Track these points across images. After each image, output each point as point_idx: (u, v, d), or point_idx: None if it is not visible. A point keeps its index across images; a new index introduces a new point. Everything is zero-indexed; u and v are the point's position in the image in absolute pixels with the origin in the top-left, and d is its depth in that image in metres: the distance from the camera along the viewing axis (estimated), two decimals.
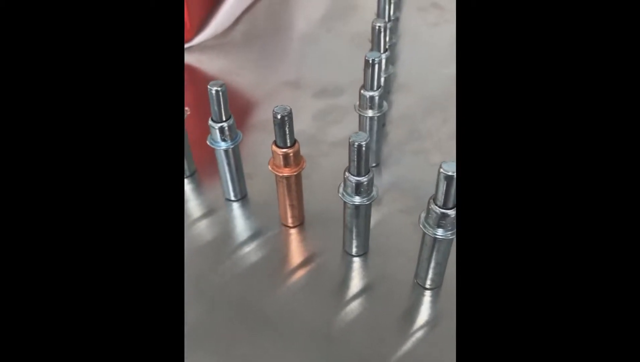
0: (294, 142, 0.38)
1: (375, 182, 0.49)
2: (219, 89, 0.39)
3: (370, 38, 0.49)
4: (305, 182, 0.48)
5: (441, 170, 0.30)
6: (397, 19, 0.68)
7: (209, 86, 0.39)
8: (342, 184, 0.37)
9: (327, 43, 0.73)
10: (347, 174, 0.35)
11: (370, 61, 0.42)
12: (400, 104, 0.59)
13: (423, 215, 0.34)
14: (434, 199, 0.33)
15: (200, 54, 0.70)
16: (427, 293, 0.39)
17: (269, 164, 0.39)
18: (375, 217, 0.45)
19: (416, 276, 0.39)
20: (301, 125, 0.56)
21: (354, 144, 0.33)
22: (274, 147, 0.38)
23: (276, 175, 0.40)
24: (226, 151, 0.42)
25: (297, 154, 0.39)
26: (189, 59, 0.69)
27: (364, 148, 0.33)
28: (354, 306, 0.39)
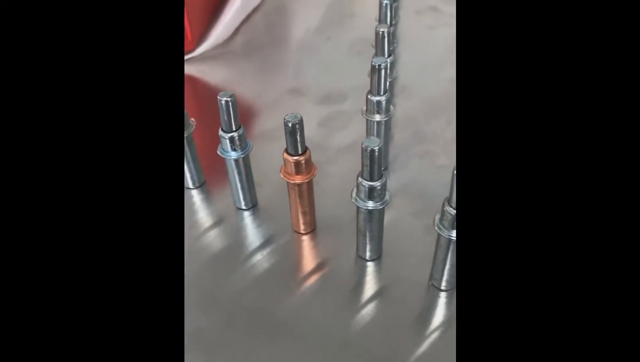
0: (305, 149, 0.38)
1: None
2: (229, 99, 0.39)
3: (373, 43, 0.49)
4: (314, 189, 0.48)
5: (455, 171, 0.31)
6: (396, 23, 0.69)
7: (218, 97, 0.39)
8: (354, 189, 0.37)
9: (328, 50, 0.73)
10: (360, 179, 0.36)
11: (377, 66, 0.42)
12: (403, 107, 0.60)
13: (437, 216, 0.35)
14: (449, 201, 0.33)
15: (202, 64, 0.71)
16: (442, 294, 0.39)
17: (280, 171, 0.40)
18: (386, 220, 0.45)
19: (431, 277, 0.39)
20: (307, 133, 0.56)
21: (367, 149, 0.34)
22: (286, 155, 0.38)
23: (288, 183, 0.40)
24: (237, 161, 0.43)
25: (308, 161, 0.39)
26: (191, 69, 0.69)
27: (376, 153, 0.34)
28: (369, 309, 0.39)
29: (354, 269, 0.42)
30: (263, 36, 0.78)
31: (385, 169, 0.51)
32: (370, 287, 0.40)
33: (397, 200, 0.47)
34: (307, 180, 0.40)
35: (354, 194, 0.37)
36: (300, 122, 0.37)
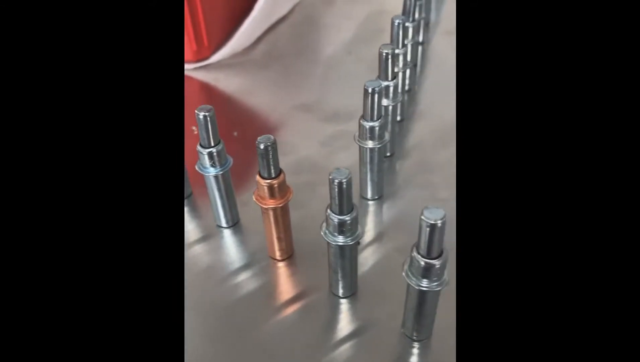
0: (279, 172, 0.36)
1: (375, 217, 0.47)
2: (207, 114, 0.37)
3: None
4: (302, 211, 0.46)
5: (422, 217, 0.28)
6: (416, 43, 0.66)
7: (196, 111, 0.37)
8: (324, 223, 0.34)
9: (347, 65, 0.71)
10: (328, 211, 0.33)
11: (370, 90, 0.39)
12: (415, 133, 0.56)
13: (407, 264, 0.31)
14: (417, 247, 0.30)
15: (218, 72, 0.70)
16: (416, 344, 0.36)
17: (253, 195, 0.38)
18: (368, 254, 0.42)
19: (403, 325, 0.36)
20: (307, 151, 0.54)
21: (333, 181, 0.31)
22: (258, 178, 0.36)
23: (261, 207, 0.38)
24: (216, 177, 0.41)
25: (282, 185, 0.37)
26: (206, 77, 0.69)
27: (344, 186, 0.31)
28: (336, 355, 0.35)
29: (325, 306, 0.39)
30: (285, 47, 0.76)
31: (380, 197, 0.47)
32: (340, 329, 0.37)
33: (386, 233, 0.44)
34: (280, 205, 0.37)
35: (323, 228, 0.34)
36: (273, 144, 0.34)
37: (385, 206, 0.47)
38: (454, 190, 0.48)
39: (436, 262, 0.29)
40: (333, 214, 0.33)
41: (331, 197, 0.32)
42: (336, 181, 0.31)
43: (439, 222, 0.27)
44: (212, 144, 0.39)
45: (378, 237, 0.44)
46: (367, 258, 0.42)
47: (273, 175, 0.36)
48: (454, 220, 0.44)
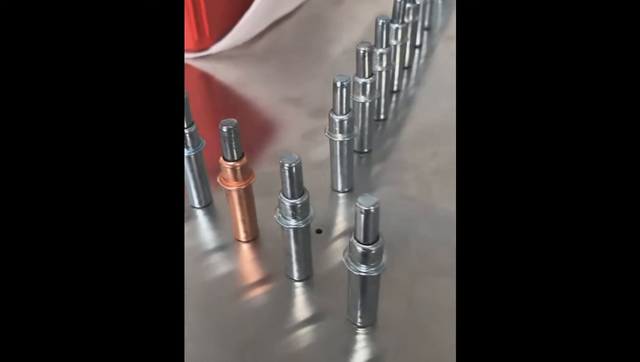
0: (241, 155, 0.38)
1: (345, 209, 0.48)
2: None
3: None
4: (272, 198, 0.47)
5: (357, 204, 0.29)
6: (411, 46, 0.67)
7: None
8: (277, 208, 0.36)
9: (345, 66, 0.72)
10: (280, 195, 0.35)
11: (338, 85, 0.41)
12: (398, 132, 0.58)
13: (347, 252, 0.33)
14: (354, 233, 0.31)
15: (217, 62, 0.72)
16: (361, 331, 0.37)
17: (218, 177, 0.39)
18: (327, 243, 0.43)
19: (347, 311, 0.37)
20: (288, 143, 0.56)
21: (283, 166, 0.33)
22: (222, 160, 0.38)
23: (225, 189, 0.40)
24: (188, 158, 0.43)
25: (244, 168, 0.38)
26: (205, 66, 0.71)
27: (294, 170, 0.33)
28: (291, 340, 0.37)
29: (281, 290, 0.40)
30: (287, 44, 0.78)
31: (351, 190, 0.49)
32: (293, 313, 0.38)
33: (346, 226, 0.45)
34: (243, 186, 0.39)
35: (277, 212, 0.36)
36: (236, 127, 0.36)
37: (351, 199, 0.48)
38: (423, 188, 0.49)
39: (372, 248, 0.31)
40: (284, 198, 0.34)
41: (282, 182, 0.34)
42: (286, 165, 0.32)
43: (372, 208, 0.29)
44: (185, 126, 0.41)
45: (347, 229, 0.45)
46: (330, 247, 0.43)
47: (235, 158, 0.37)
48: (418, 217, 0.46)
